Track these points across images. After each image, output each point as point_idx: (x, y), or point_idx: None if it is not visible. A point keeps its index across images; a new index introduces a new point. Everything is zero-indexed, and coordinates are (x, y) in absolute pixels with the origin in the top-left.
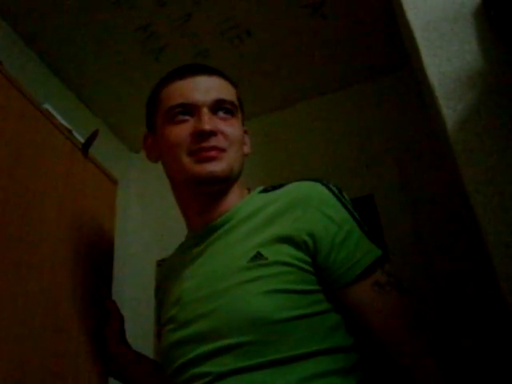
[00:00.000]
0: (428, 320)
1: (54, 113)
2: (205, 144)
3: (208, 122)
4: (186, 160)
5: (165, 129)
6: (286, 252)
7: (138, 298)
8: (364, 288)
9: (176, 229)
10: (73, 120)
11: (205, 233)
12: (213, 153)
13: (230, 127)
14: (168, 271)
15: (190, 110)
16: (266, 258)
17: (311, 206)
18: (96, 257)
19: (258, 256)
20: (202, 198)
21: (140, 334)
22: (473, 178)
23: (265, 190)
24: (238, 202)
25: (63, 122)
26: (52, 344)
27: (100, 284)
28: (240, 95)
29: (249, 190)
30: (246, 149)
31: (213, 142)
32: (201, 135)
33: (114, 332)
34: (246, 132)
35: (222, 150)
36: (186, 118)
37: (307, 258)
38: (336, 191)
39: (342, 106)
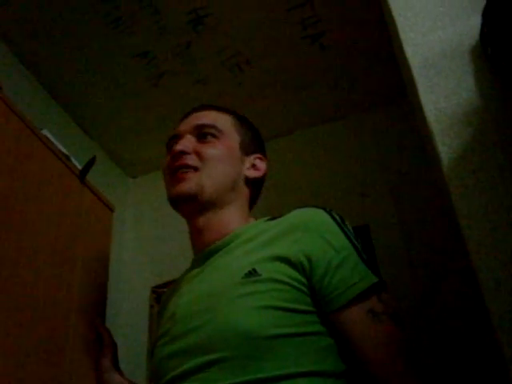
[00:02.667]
0: (420, 347)
1: (52, 138)
2: (177, 162)
3: (181, 143)
4: (168, 181)
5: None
6: (282, 270)
7: (132, 324)
8: (358, 314)
9: (171, 255)
10: (70, 145)
11: (206, 253)
12: (182, 175)
13: (209, 148)
14: (170, 292)
15: (177, 140)
16: (260, 275)
17: (311, 230)
18: (90, 283)
19: (253, 272)
20: (191, 220)
21: (133, 361)
22: (466, 214)
23: (270, 219)
24: (240, 226)
25: (61, 147)
26: (44, 372)
27: (94, 311)
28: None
29: (256, 219)
30: (252, 173)
31: (184, 160)
32: (174, 156)
33: (107, 359)
34: (260, 158)
35: (194, 169)
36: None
37: (303, 279)
38: (338, 219)
39: (339, 135)
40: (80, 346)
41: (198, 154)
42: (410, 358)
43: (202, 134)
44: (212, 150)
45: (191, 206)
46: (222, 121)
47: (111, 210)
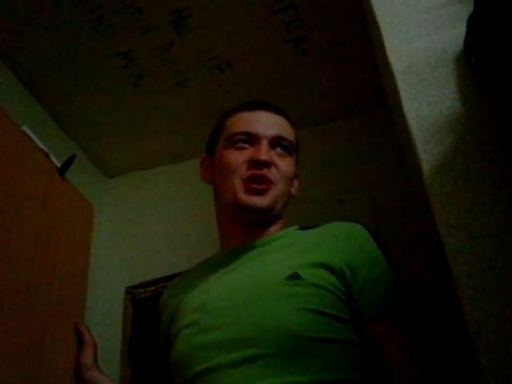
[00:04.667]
0: None
1: (32, 135)
2: (258, 172)
3: (265, 152)
4: (238, 186)
5: (224, 152)
6: (323, 277)
7: (106, 324)
8: (388, 327)
9: (146, 256)
10: (48, 143)
11: (241, 250)
12: (262, 186)
13: (284, 163)
14: (185, 284)
15: (251, 139)
16: (304, 279)
17: (351, 242)
18: (70, 279)
19: (295, 275)
20: (244, 224)
21: (106, 360)
22: (446, 222)
23: (301, 228)
24: (276, 230)
25: (41, 145)
26: (24, 368)
27: (73, 307)
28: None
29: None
30: (293, 190)
31: (267, 172)
32: (256, 164)
33: (88, 357)
34: (296, 176)
35: (272, 183)
36: (246, 146)
37: (342, 287)
38: (373, 234)
39: (317, 141)
40: (60, 344)
41: (276, 168)
42: (426, 369)
43: (280, 145)
44: (287, 167)
45: (261, 218)
46: (293, 136)
47: (91, 206)
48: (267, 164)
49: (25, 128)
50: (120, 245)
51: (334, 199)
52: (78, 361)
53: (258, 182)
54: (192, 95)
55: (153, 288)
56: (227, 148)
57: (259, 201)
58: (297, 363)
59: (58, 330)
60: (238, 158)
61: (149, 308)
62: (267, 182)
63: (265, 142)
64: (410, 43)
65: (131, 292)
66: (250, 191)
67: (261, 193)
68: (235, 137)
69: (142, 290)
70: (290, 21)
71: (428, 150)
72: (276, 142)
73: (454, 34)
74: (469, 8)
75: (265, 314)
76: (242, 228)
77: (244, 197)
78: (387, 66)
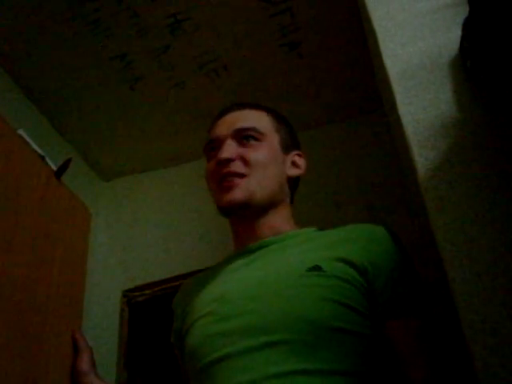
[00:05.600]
0: None
1: (28, 139)
2: (224, 170)
3: (225, 150)
4: (216, 189)
5: (206, 167)
6: (345, 271)
7: (102, 327)
8: (407, 326)
9: (143, 259)
10: (44, 147)
11: (256, 246)
12: (230, 183)
13: (253, 152)
14: (199, 282)
15: (217, 144)
16: (325, 271)
17: (374, 242)
18: (68, 282)
19: (317, 267)
20: (240, 223)
21: (102, 364)
22: (442, 226)
23: (319, 229)
24: (292, 228)
25: (37, 148)
26: (21, 371)
27: (70, 310)
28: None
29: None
30: (294, 171)
31: (231, 167)
32: (220, 164)
33: (85, 363)
34: (299, 155)
35: (241, 176)
36: (214, 153)
37: (364, 283)
38: (395, 236)
39: (313, 145)
40: (57, 350)
41: (243, 160)
42: (440, 371)
43: (243, 137)
44: (257, 155)
45: (244, 214)
46: (261, 121)
47: (88, 209)
48: (229, 160)
49: (21, 131)
50: (116, 248)
51: (331, 202)
52: (75, 367)
53: (227, 180)
54: (188, 98)
55: (149, 291)
56: (207, 161)
57: (230, 197)
58: (313, 351)
59: (56, 333)
60: (210, 166)
61: (145, 311)
62: (236, 176)
63: (228, 141)
64: (405, 47)
65: (127, 295)
66: (223, 190)
67: (231, 188)
68: (205, 149)
69: (139, 293)
70: (286, 24)
71: (424, 154)
72: (238, 135)
73: (449, 38)
74: (464, 12)
75: (285, 302)
76: (243, 228)
77: (220, 197)
78: (383, 69)
